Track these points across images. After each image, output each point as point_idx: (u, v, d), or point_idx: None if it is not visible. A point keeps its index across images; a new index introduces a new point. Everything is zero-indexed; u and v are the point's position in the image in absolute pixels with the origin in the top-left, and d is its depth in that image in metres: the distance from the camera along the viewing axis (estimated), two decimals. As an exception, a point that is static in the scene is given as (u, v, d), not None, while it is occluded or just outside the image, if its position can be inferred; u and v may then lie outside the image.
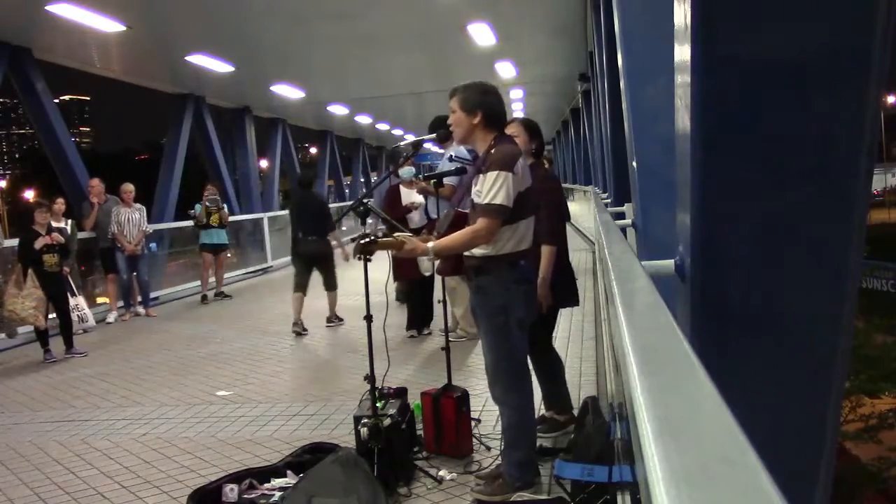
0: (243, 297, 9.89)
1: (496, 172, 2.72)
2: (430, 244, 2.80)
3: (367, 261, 2.95)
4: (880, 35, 1.59)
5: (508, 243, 2.81)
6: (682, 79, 1.81)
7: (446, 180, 4.61)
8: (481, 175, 2.80)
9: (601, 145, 11.15)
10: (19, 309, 6.24)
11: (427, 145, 6.26)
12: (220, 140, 15.50)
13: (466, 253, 2.87)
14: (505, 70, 14.21)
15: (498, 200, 2.71)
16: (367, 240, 2.76)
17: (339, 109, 18.74)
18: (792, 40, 1.69)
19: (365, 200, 3.18)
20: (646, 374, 0.71)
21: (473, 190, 2.87)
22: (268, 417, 4.25)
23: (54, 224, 6.89)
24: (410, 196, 6.10)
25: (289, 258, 14.62)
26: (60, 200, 7.75)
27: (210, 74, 12.23)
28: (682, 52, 1.77)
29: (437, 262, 3.05)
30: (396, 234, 2.83)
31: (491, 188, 2.72)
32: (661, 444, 0.52)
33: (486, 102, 2.87)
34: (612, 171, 7.92)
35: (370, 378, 3.15)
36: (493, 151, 2.80)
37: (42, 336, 6.51)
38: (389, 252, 3.13)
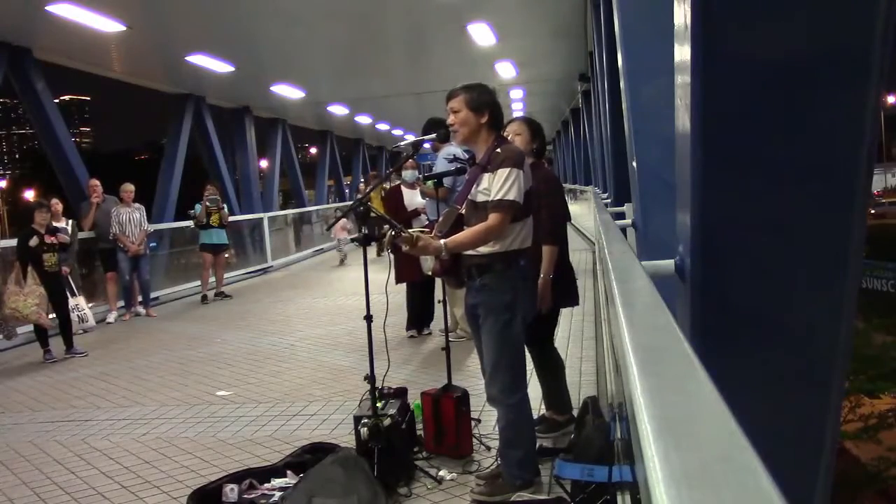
0: (243, 298, 9.89)
1: (508, 169, 2.74)
2: (443, 241, 2.79)
3: (394, 253, 2.93)
4: (880, 35, 1.59)
5: (515, 240, 2.83)
6: (682, 79, 1.81)
7: (445, 181, 4.61)
8: (486, 174, 2.81)
9: (601, 145, 11.15)
10: (21, 307, 6.23)
11: (426, 146, 6.27)
12: (220, 140, 15.50)
13: (470, 252, 2.87)
14: (505, 70, 14.22)
15: (510, 196, 2.74)
16: (393, 233, 2.75)
17: (339, 109, 18.74)
18: (792, 40, 1.69)
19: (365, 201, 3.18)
20: (646, 374, 0.71)
21: (475, 189, 2.86)
22: (268, 417, 4.25)
23: (55, 224, 6.90)
24: (412, 197, 6.10)
25: (289, 258, 14.72)
26: (55, 200, 7.74)
27: (210, 74, 12.23)
28: (682, 52, 1.77)
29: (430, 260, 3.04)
30: (411, 231, 2.83)
31: (503, 185, 2.74)
32: (661, 444, 0.52)
33: (492, 102, 2.90)
34: (612, 171, 7.91)
35: (370, 378, 3.15)
36: (499, 150, 2.82)
37: (42, 336, 6.52)
38: (389, 252, 3.14)
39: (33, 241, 6.34)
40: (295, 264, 14.54)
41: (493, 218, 2.75)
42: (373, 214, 3.20)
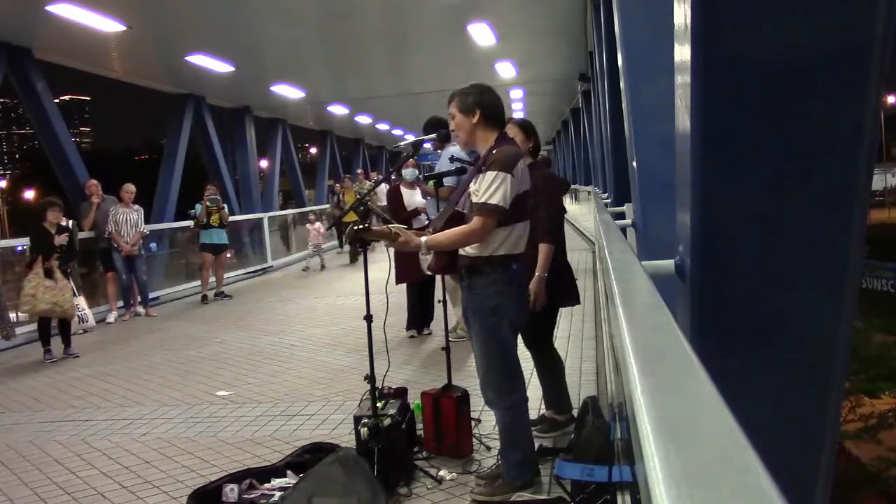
0: (243, 297, 9.89)
1: (495, 173, 2.72)
2: (424, 238, 2.80)
3: (360, 248, 2.96)
4: (880, 35, 1.59)
5: (503, 246, 2.80)
6: (682, 79, 1.81)
7: (446, 180, 4.61)
8: (480, 174, 2.81)
9: (601, 145, 11.15)
10: (61, 301, 6.34)
11: (426, 145, 6.28)
12: (220, 140, 15.50)
13: (461, 252, 2.87)
14: (505, 70, 14.21)
15: (494, 200, 2.71)
16: (360, 226, 2.75)
17: (339, 109, 18.75)
18: (792, 40, 1.68)
19: (365, 200, 3.19)
20: (646, 374, 0.71)
21: (472, 188, 2.87)
22: (268, 417, 4.25)
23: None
24: (412, 197, 6.10)
25: (289, 258, 14.71)
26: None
27: (210, 74, 12.23)
28: (682, 52, 1.77)
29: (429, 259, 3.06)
30: (391, 226, 2.83)
31: (489, 188, 2.72)
32: (661, 444, 0.52)
33: (482, 100, 2.88)
34: (612, 171, 7.92)
35: (370, 378, 3.15)
36: (494, 152, 2.81)
37: (44, 335, 6.52)
38: (389, 250, 3.14)
39: (63, 239, 6.44)
40: (295, 265, 14.54)
41: (475, 221, 2.74)
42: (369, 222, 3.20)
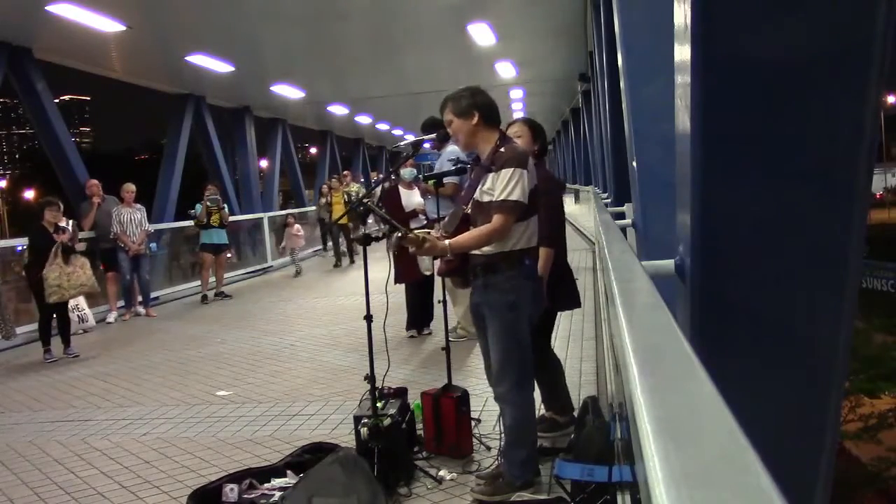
0: (243, 297, 9.89)
1: (511, 170, 2.75)
2: (447, 242, 2.81)
3: (396, 254, 2.96)
4: (880, 35, 1.59)
5: (521, 240, 2.84)
6: (682, 79, 1.81)
7: (447, 180, 4.61)
8: (490, 174, 2.82)
9: (601, 145, 11.15)
10: (86, 279, 6.49)
11: (426, 145, 6.28)
12: (220, 140, 15.49)
13: (475, 252, 2.88)
14: (505, 70, 14.22)
15: (514, 197, 2.74)
16: (400, 234, 2.77)
17: (339, 109, 18.75)
18: (792, 40, 1.69)
19: (365, 200, 3.19)
20: (646, 374, 0.72)
21: (480, 189, 2.87)
22: (268, 417, 4.25)
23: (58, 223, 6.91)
24: (410, 197, 6.10)
25: (288, 258, 14.70)
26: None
27: (210, 74, 12.23)
28: (682, 52, 1.77)
29: (436, 262, 3.05)
30: (416, 232, 2.84)
31: (507, 185, 2.74)
32: (661, 444, 0.52)
33: (477, 102, 2.92)
34: (612, 171, 7.92)
35: (370, 378, 3.15)
36: (503, 150, 2.83)
37: (45, 334, 6.52)
38: (391, 253, 3.14)
39: (67, 237, 6.53)
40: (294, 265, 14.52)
41: (496, 219, 2.76)
42: (371, 219, 3.20)
